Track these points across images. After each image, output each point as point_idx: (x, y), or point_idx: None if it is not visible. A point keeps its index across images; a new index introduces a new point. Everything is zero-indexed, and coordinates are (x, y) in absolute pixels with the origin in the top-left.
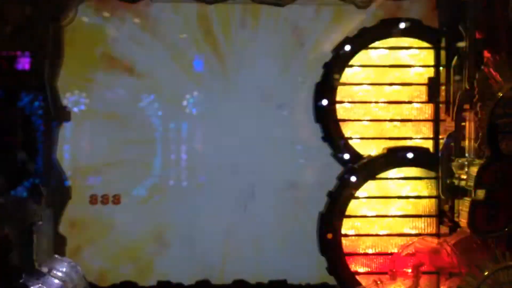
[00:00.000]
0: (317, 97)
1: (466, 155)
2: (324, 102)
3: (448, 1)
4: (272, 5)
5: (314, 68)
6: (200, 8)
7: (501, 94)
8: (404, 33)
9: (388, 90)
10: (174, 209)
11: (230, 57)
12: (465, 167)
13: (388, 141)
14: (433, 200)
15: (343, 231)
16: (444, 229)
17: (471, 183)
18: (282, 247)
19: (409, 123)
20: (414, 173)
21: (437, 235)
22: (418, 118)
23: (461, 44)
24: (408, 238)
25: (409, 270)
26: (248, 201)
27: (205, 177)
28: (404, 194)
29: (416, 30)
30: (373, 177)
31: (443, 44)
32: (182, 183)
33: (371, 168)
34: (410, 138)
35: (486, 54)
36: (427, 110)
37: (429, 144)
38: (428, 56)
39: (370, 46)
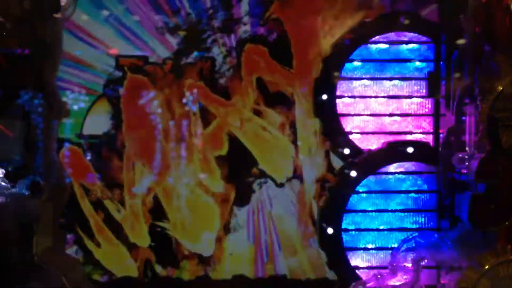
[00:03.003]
0: (317, 92)
1: (467, 149)
2: (324, 96)
3: None
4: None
5: None
6: None
7: (501, 88)
8: (404, 28)
9: (388, 84)
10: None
11: None
12: (465, 161)
13: (388, 135)
14: (433, 194)
15: (343, 226)
16: (444, 224)
17: (471, 177)
18: (282, 242)
19: (409, 118)
20: (414, 167)
21: (438, 229)
22: (418, 113)
23: (461, 40)
24: (409, 232)
25: (410, 265)
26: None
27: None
28: (404, 189)
29: (416, 24)
30: (373, 172)
31: (443, 38)
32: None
33: (371, 162)
34: (410, 133)
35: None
36: (427, 105)
37: (429, 139)
38: (428, 51)
39: (370, 40)
